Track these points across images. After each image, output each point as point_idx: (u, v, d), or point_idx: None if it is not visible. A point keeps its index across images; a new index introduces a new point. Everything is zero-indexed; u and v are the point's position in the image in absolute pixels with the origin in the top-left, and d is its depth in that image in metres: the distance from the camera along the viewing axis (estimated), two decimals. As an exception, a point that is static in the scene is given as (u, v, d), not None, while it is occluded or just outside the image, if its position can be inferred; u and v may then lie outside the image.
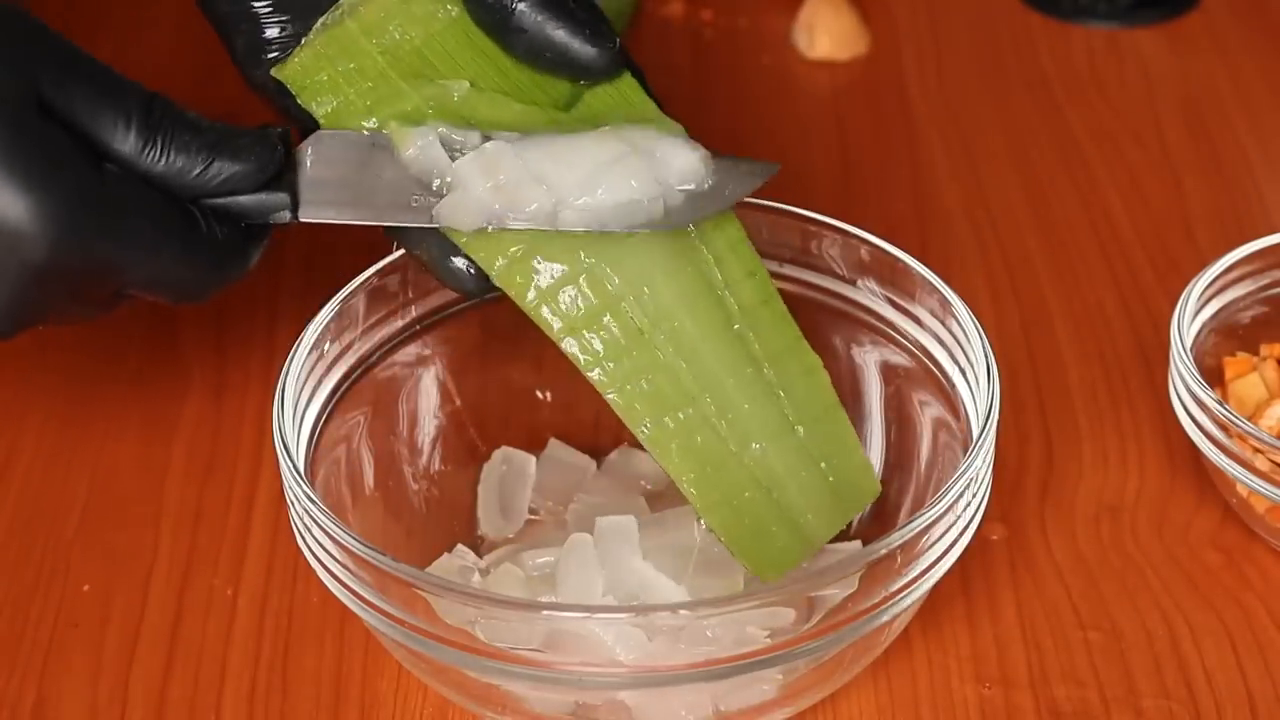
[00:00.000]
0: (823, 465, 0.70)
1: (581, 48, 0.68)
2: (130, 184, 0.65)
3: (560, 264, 0.67)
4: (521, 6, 0.68)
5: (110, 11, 1.11)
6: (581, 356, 0.67)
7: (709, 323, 0.68)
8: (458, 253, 0.68)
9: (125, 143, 0.65)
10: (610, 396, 0.67)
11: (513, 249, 0.67)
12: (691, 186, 0.68)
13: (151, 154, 0.65)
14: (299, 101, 0.69)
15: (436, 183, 0.67)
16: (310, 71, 0.69)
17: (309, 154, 0.68)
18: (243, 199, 0.67)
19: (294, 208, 0.67)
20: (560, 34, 0.68)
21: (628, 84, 0.70)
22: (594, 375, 0.67)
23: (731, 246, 0.69)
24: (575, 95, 0.69)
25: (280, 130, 0.67)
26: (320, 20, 0.69)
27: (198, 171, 0.66)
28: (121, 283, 0.67)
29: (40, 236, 0.63)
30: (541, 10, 0.68)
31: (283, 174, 0.67)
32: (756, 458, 0.68)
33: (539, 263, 0.67)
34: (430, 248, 0.69)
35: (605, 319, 0.67)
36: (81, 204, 0.63)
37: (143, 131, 0.65)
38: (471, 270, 0.68)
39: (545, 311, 0.67)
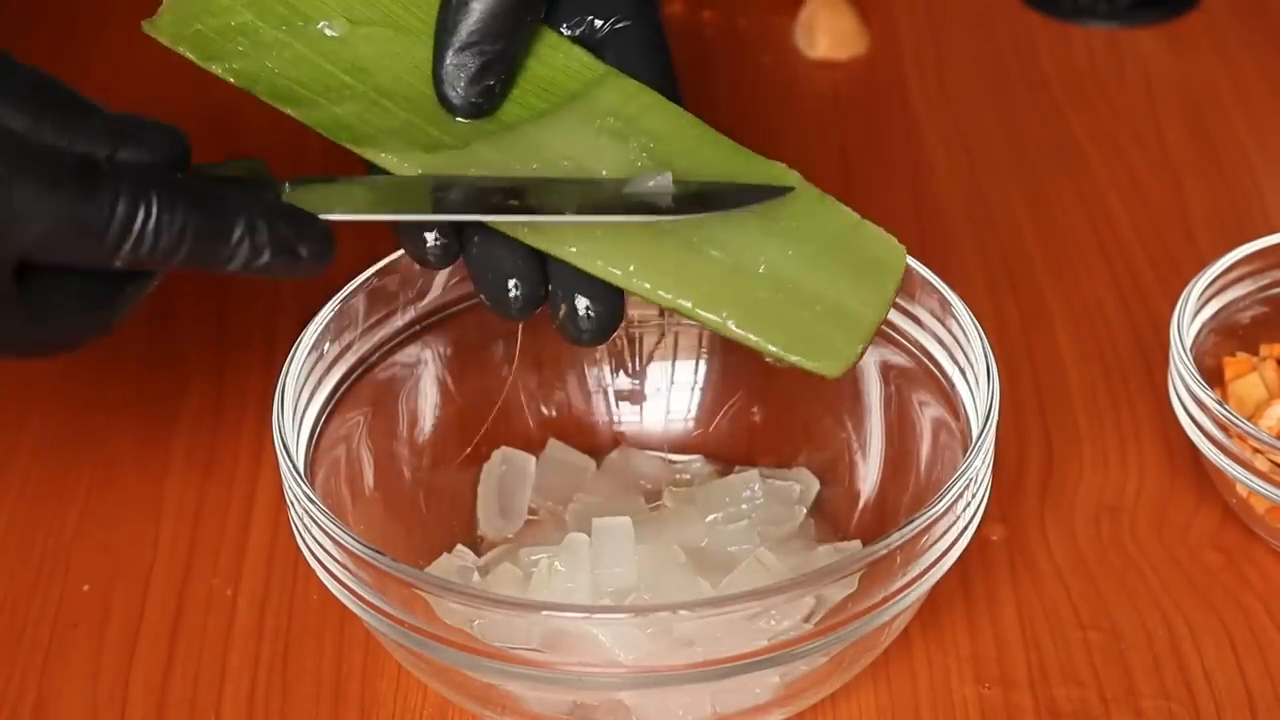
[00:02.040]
0: (831, 248, 0.68)
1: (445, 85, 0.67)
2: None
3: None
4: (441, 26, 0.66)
5: (110, 13, 1.11)
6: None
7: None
8: (430, 227, 0.66)
9: (18, 128, 0.59)
10: (592, 254, 0.65)
11: None
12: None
13: (50, 138, 0.59)
14: (179, 50, 0.66)
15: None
16: (183, 24, 0.67)
17: (287, 191, 0.64)
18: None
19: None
20: (439, 64, 0.67)
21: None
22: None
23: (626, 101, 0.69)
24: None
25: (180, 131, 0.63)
26: None
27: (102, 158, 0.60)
28: (15, 245, 0.58)
29: None
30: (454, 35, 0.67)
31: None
32: (758, 263, 0.66)
33: None
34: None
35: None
36: None
37: (34, 117, 0.59)
38: (439, 242, 0.66)
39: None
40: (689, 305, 0.65)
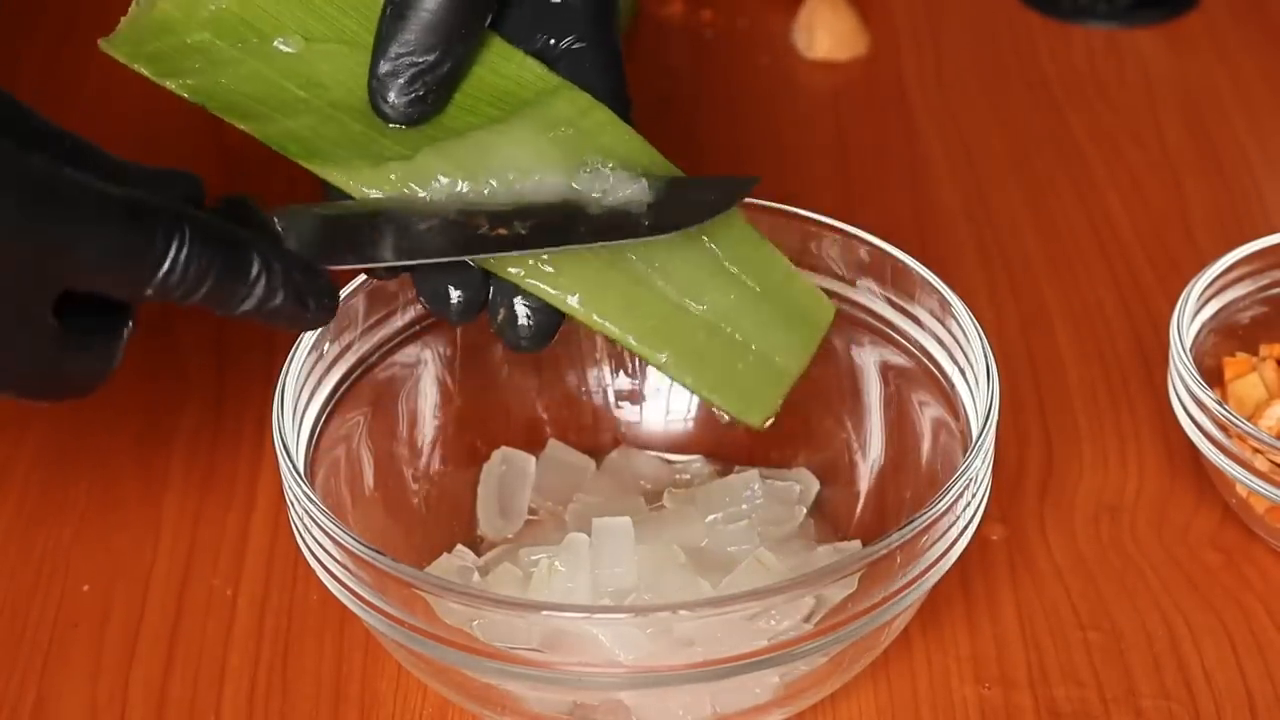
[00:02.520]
0: (768, 297, 0.69)
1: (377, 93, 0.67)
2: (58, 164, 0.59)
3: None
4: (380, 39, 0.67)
5: (110, 13, 1.11)
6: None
7: None
8: (450, 281, 0.67)
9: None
10: (540, 281, 0.66)
11: None
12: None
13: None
14: (135, 68, 0.67)
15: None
16: (140, 43, 0.67)
17: (276, 224, 0.65)
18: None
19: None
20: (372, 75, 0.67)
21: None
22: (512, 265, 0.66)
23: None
24: None
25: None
26: (135, 1, 0.67)
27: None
28: (65, 268, 0.59)
29: None
30: (391, 47, 0.67)
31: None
32: (701, 301, 0.68)
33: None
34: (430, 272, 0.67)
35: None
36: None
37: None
38: (461, 298, 0.67)
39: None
40: (631, 341, 0.67)
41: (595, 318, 0.66)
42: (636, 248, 0.67)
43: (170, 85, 0.67)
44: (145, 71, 0.67)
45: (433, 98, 0.67)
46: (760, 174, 0.70)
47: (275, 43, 0.68)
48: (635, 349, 0.67)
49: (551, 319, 0.67)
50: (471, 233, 0.65)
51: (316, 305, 0.63)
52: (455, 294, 0.67)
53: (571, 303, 0.66)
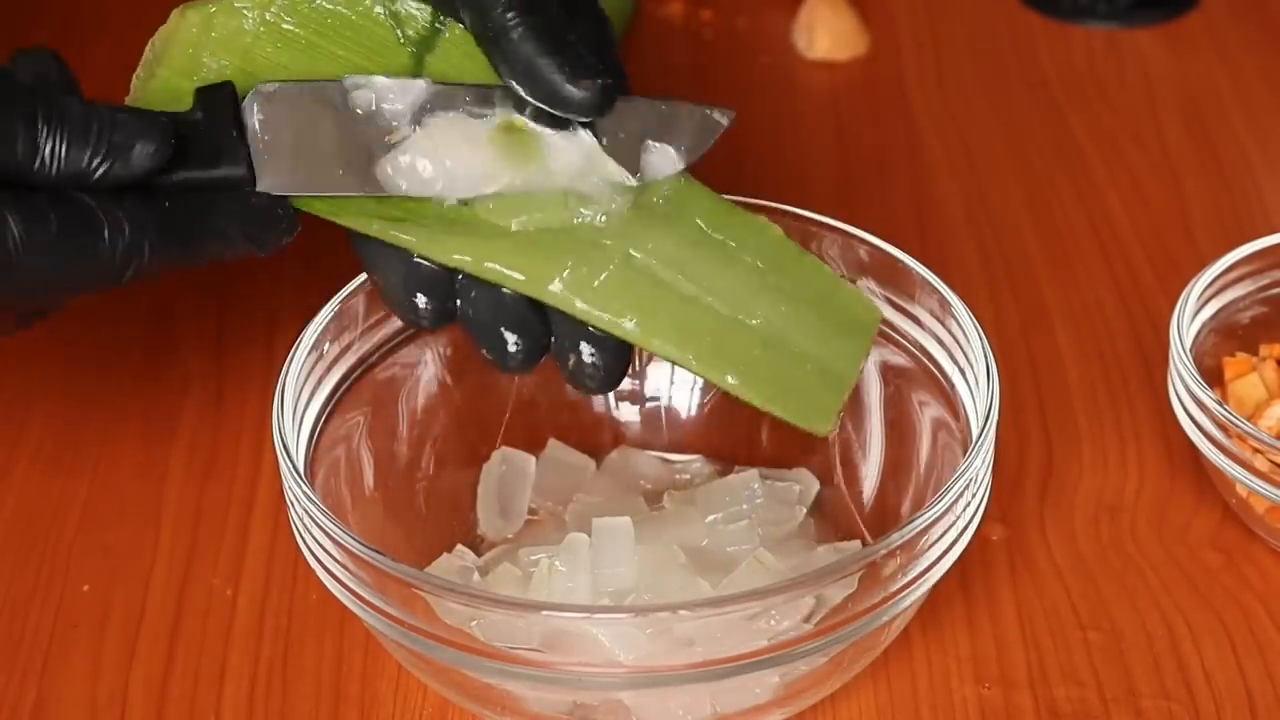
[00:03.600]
0: (816, 305, 0.69)
1: (562, 87, 0.65)
2: None
3: None
4: (514, 35, 0.65)
5: (109, 13, 1.11)
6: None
7: (653, 222, 0.68)
8: (419, 288, 0.67)
9: (18, 148, 0.61)
10: (584, 300, 0.66)
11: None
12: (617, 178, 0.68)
13: (41, 169, 0.61)
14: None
15: (388, 139, 0.67)
16: (146, 104, 0.67)
17: (255, 116, 0.66)
18: (197, 177, 0.65)
19: (251, 180, 0.66)
20: (543, 68, 0.65)
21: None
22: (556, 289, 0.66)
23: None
24: (416, 61, 0.69)
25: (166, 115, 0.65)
26: (135, 74, 0.68)
27: (93, 171, 0.62)
28: (15, 297, 0.63)
29: None
30: (531, 40, 0.65)
31: (231, 138, 0.65)
32: (753, 316, 0.68)
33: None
34: (390, 273, 0.67)
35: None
36: None
37: (28, 144, 0.61)
38: (429, 307, 0.67)
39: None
40: (693, 363, 0.67)
41: (656, 341, 0.66)
42: (684, 266, 0.67)
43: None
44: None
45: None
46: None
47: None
48: (698, 370, 0.67)
49: (620, 358, 0.67)
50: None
51: (274, 246, 0.65)
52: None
53: (627, 327, 0.66)
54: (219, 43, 0.67)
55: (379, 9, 0.68)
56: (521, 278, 0.66)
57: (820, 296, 0.70)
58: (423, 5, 0.68)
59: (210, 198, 0.65)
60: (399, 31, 0.68)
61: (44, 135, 0.61)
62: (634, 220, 0.68)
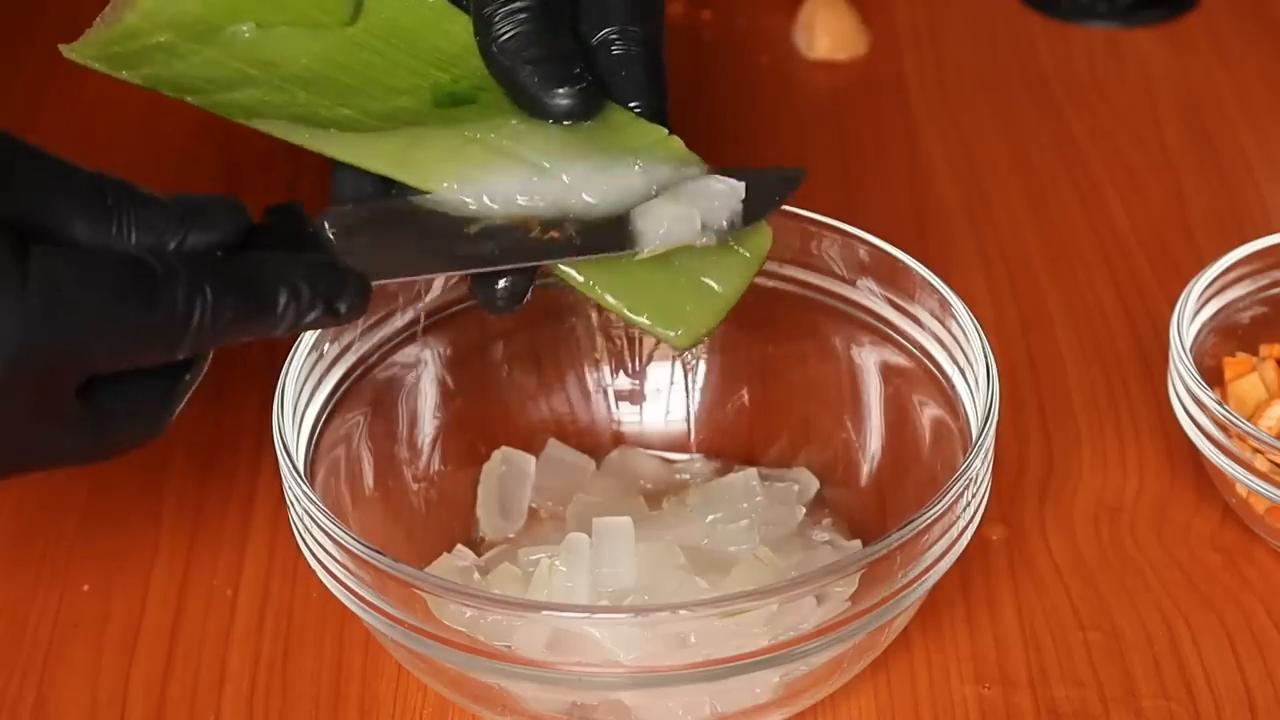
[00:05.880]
0: None
1: (542, 93, 0.67)
2: (63, 258, 0.58)
3: None
4: (503, 39, 0.67)
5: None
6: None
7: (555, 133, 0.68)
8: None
9: (83, 232, 0.59)
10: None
11: None
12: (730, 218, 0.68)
13: (116, 238, 0.60)
14: (90, 65, 0.67)
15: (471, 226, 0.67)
16: (103, 47, 0.67)
17: (327, 230, 0.65)
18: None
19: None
20: (525, 75, 0.67)
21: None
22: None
23: None
24: (357, 8, 0.69)
25: (236, 199, 0.64)
26: (100, 16, 0.68)
27: (172, 247, 0.60)
28: (82, 370, 0.59)
29: None
30: (520, 43, 0.67)
31: (309, 234, 0.65)
32: None
33: None
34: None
35: None
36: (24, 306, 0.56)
37: (99, 220, 0.59)
38: (507, 289, 0.67)
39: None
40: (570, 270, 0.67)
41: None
42: (569, 165, 0.67)
43: (124, 75, 0.68)
44: (99, 67, 0.68)
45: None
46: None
47: (229, 30, 0.68)
48: (562, 275, 0.67)
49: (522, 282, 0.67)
50: (523, 237, 0.66)
51: (349, 308, 0.62)
52: (505, 282, 0.67)
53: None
54: None
55: None
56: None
57: None
58: None
59: (273, 254, 0.62)
60: None
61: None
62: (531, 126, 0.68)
